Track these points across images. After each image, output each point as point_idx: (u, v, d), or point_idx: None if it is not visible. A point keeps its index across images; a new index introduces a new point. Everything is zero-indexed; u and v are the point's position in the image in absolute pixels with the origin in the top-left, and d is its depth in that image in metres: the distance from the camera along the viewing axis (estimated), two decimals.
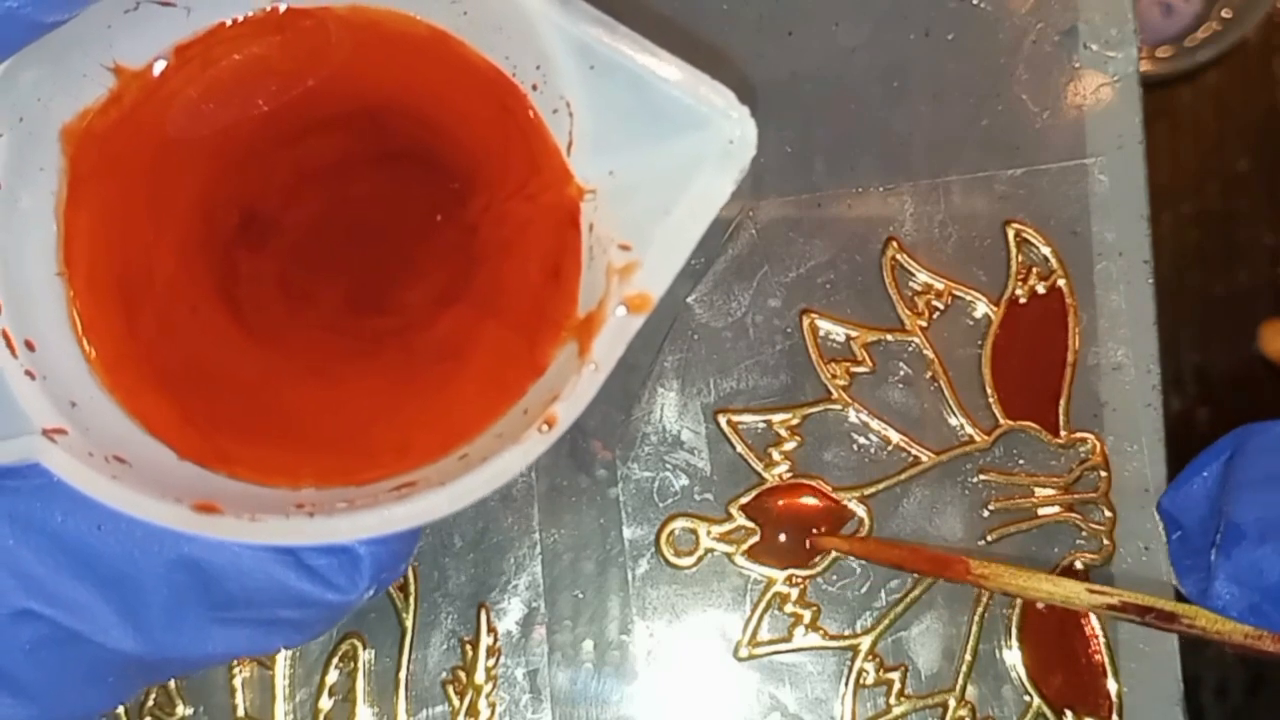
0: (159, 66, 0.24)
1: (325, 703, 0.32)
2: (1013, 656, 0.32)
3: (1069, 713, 0.32)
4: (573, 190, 0.23)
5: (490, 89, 0.24)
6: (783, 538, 0.32)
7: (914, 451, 0.33)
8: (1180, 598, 0.31)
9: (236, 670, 0.32)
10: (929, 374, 0.33)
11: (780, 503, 0.32)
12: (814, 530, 0.32)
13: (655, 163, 0.22)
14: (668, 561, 0.32)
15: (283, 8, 0.24)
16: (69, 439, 0.22)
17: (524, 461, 0.22)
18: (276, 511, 0.22)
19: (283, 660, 0.32)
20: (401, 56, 0.24)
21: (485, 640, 0.32)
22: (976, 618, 0.32)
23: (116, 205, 0.24)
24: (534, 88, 0.23)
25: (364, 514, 0.21)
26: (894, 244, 0.33)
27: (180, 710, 0.32)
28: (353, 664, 0.32)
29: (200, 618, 0.23)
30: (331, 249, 0.26)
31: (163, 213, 0.25)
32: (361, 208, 0.26)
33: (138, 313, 0.24)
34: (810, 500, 0.32)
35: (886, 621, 0.32)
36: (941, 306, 0.33)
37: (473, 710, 0.32)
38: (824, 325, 0.33)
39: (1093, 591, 0.29)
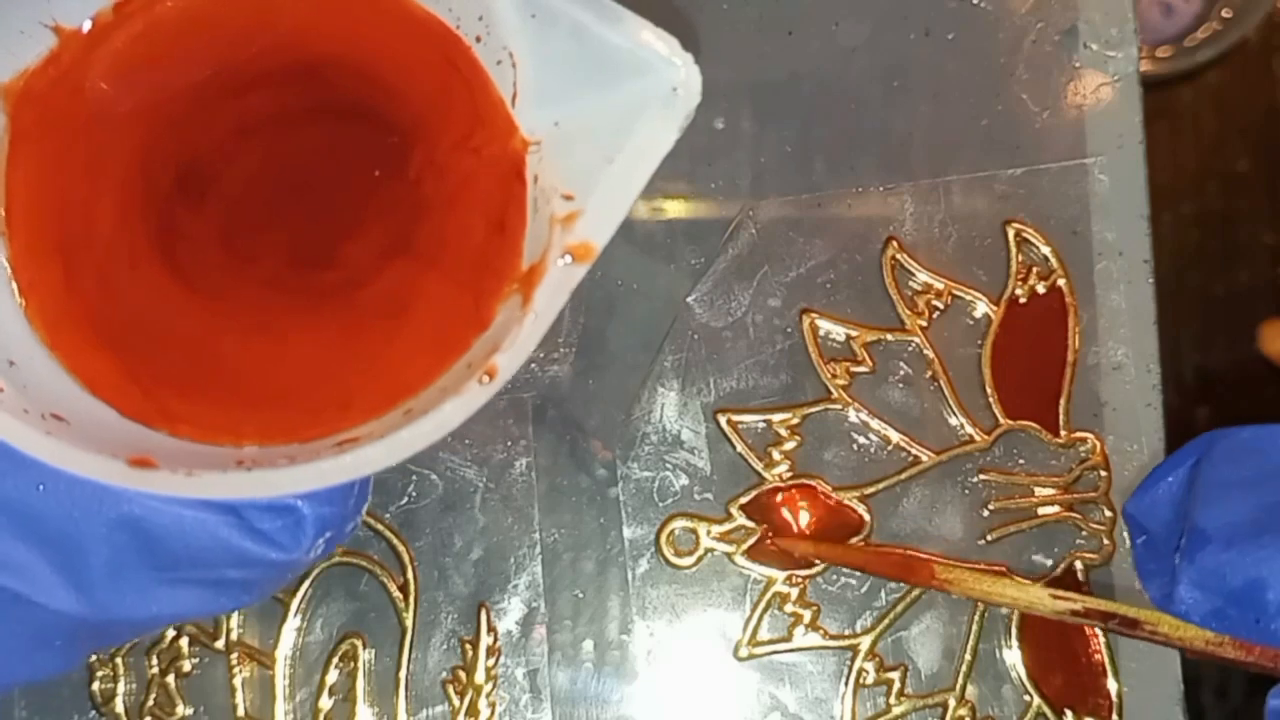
0: (98, 24, 0.24)
1: (325, 702, 0.32)
2: (1013, 656, 0.32)
3: (1069, 712, 0.32)
4: (517, 142, 0.23)
5: (433, 42, 0.24)
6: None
7: (914, 451, 0.33)
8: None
9: (236, 670, 0.32)
10: (929, 374, 0.33)
11: (780, 504, 0.32)
12: (769, 534, 0.32)
13: (600, 112, 0.22)
14: (668, 561, 0.32)
15: None
16: (5, 396, 0.22)
17: (464, 413, 0.22)
18: (214, 467, 0.21)
19: (283, 660, 0.32)
20: (343, 10, 0.24)
21: (485, 640, 0.32)
22: (976, 617, 0.32)
23: (55, 164, 0.24)
24: (477, 39, 0.23)
25: (299, 468, 0.21)
26: (894, 244, 0.33)
27: (180, 710, 0.32)
28: (353, 664, 0.32)
29: (144, 578, 0.23)
30: (273, 205, 0.26)
31: (102, 171, 0.24)
32: (303, 163, 0.26)
33: (78, 271, 0.24)
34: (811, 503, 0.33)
35: (886, 621, 0.32)
36: (941, 306, 0.33)
37: (473, 710, 0.32)
38: (824, 325, 0.33)
39: (1056, 597, 0.29)
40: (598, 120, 0.22)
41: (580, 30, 0.22)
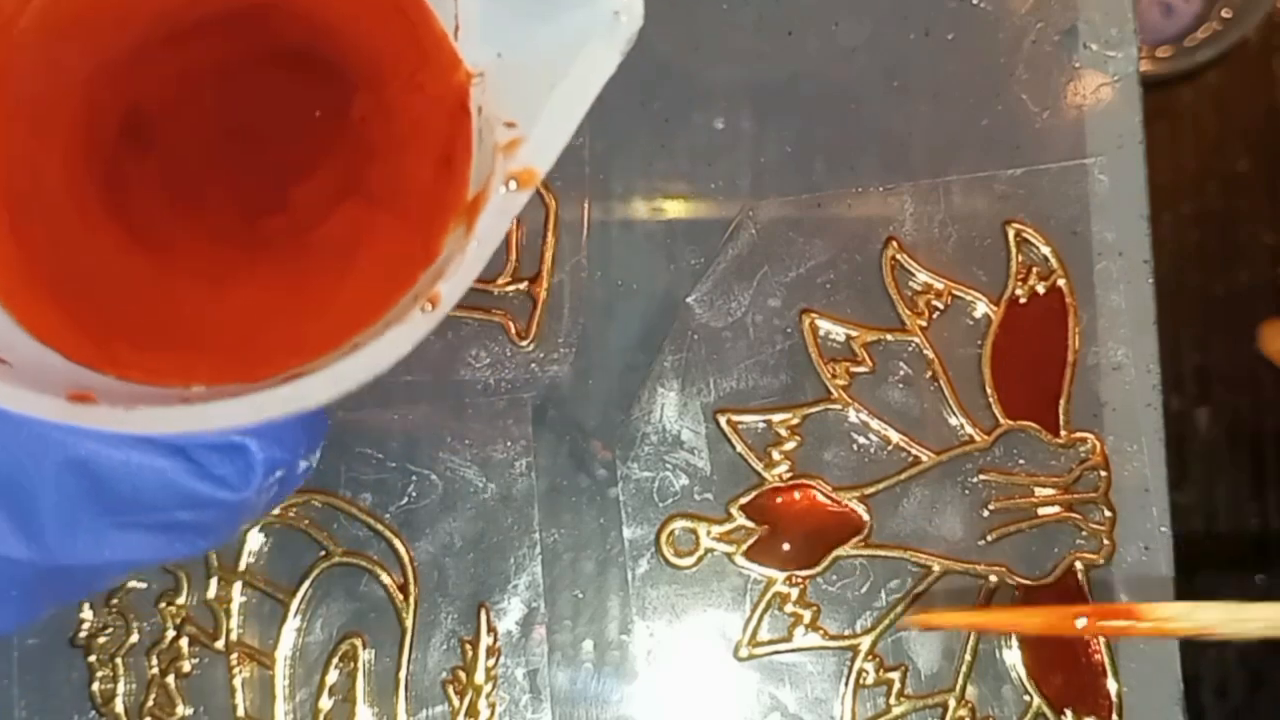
0: None
1: (325, 702, 0.32)
2: (1013, 656, 0.32)
3: (1069, 712, 0.32)
4: (461, 75, 0.23)
5: None
6: (786, 547, 0.32)
7: (914, 451, 0.33)
8: (1185, 595, 0.31)
9: (236, 670, 0.32)
10: (929, 374, 0.33)
11: (781, 504, 0.32)
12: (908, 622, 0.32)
13: (542, 41, 0.22)
14: (668, 561, 0.32)
15: None
16: None
17: (408, 341, 0.21)
18: (155, 403, 0.21)
19: (282, 660, 0.32)
20: None
21: (485, 640, 0.32)
22: None
23: None
24: None
25: (237, 400, 0.21)
26: (894, 244, 0.33)
27: (180, 710, 0.32)
28: (353, 664, 0.32)
29: (95, 522, 0.22)
30: (220, 152, 0.26)
31: (46, 122, 0.24)
32: (249, 110, 0.26)
33: (25, 222, 0.24)
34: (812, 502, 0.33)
35: (887, 621, 0.32)
36: (941, 306, 0.33)
37: (472, 710, 0.32)
38: (824, 325, 0.33)
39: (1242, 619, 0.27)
40: (540, 49, 0.22)
41: None
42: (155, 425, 0.21)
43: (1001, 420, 0.33)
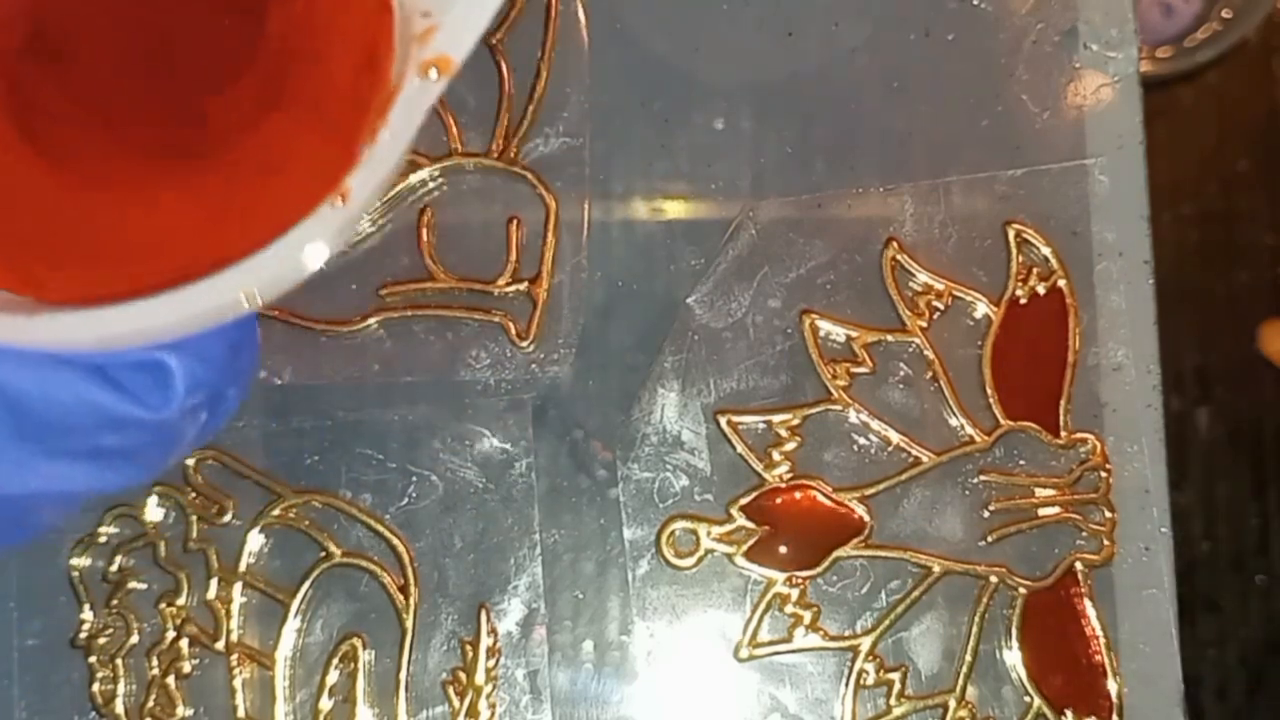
0: None
1: (325, 703, 0.32)
2: (1013, 657, 0.32)
3: (1069, 713, 0.32)
4: None
5: None
6: (786, 547, 0.32)
7: (914, 452, 0.33)
8: (1185, 595, 0.31)
9: (237, 671, 0.32)
10: (929, 374, 0.33)
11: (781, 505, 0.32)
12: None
13: None
14: (668, 562, 0.32)
15: None
16: None
17: (318, 234, 0.21)
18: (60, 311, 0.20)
19: (283, 661, 0.32)
20: None
21: (485, 641, 0.32)
22: (977, 618, 0.32)
23: None
24: None
25: (148, 302, 0.20)
26: (894, 244, 0.33)
27: (180, 711, 0.31)
28: (353, 664, 0.32)
29: (18, 449, 0.22)
30: (133, 64, 0.25)
31: None
32: (162, 18, 0.25)
33: None
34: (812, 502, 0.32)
35: (887, 622, 0.32)
36: (942, 307, 0.33)
37: (473, 711, 0.31)
38: (824, 326, 0.33)
39: None
40: None
41: None
42: (63, 333, 0.20)
43: (1002, 421, 0.33)
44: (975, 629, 0.32)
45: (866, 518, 0.32)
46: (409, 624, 0.32)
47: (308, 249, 0.21)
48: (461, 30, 0.22)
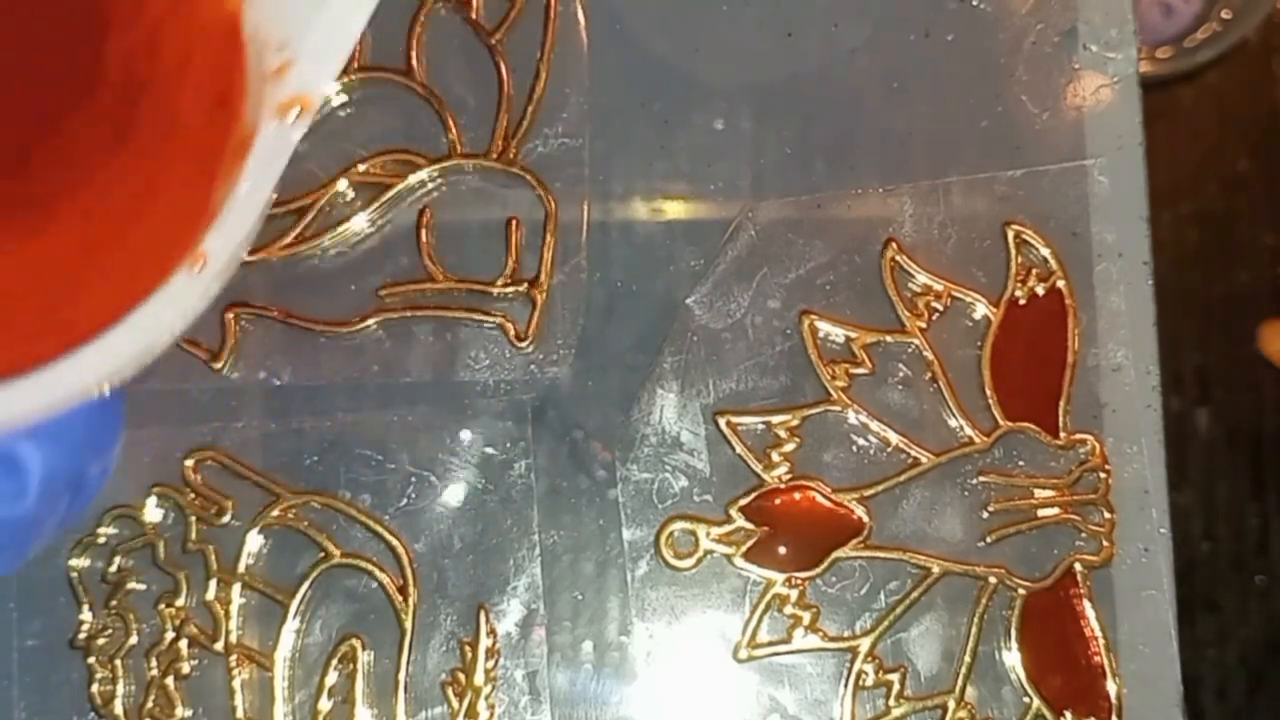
0: None
1: (325, 704, 0.32)
2: (1012, 658, 0.32)
3: (1068, 714, 0.32)
4: (230, 2, 0.21)
5: None
6: (785, 548, 0.32)
7: (913, 453, 0.33)
8: (1185, 596, 0.31)
9: (236, 672, 0.32)
10: (928, 375, 0.33)
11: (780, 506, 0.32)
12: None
13: None
14: (667, 563, 0.32)
15: None
16: None
17: (175, 307, 0.19)
18: None
19: (282, 662, 0.32)
20: None
21: (484, 642, 0.32)
22: (976, 619, 0.32)
23: None
24: None
25: None
26: (893, 245, 0.33)
27: (180, 712, 0.31)
28: (352, 665, 0.32)
29: None
30: None
31: None
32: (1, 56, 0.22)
33: None
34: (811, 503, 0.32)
35: (886, 623, 0.32)
36: (941, 308, 0.33)
37: (472, 712, 0.31)
38: (823, 326, 0.33)
39: None
40: None
41: None
42: None
43: (1001, 422, 0.33)
44: (974, 630, 0.32)
45: (866, 519, 0.32)
46: (408, 625, 0.32)
47: (162, 324, 0.19)
48: (319, 63, 0.20)
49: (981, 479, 0.33)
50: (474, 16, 0.33)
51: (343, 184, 0.33)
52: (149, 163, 0.21)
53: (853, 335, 0.33)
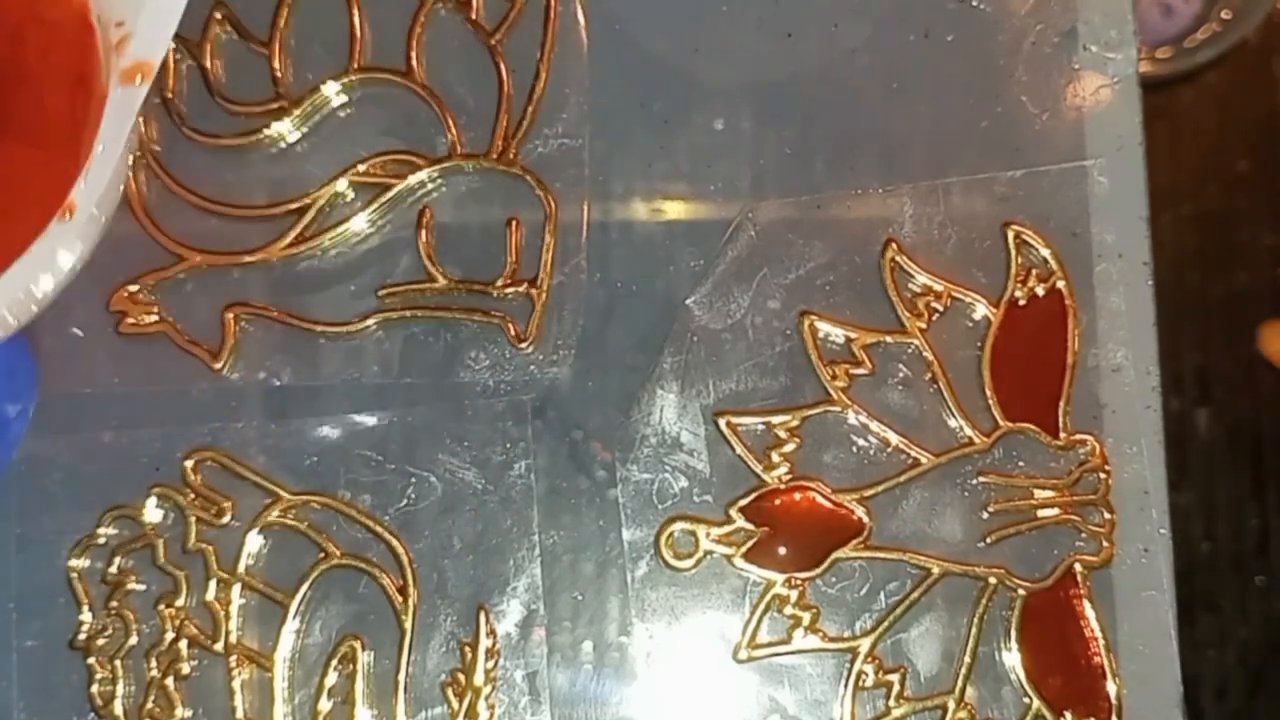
0: None
1: (324, 704, 0.32)
2: (1012, 658, 0.32)
3: (1068, 714, 0.32)
4: None
5: None
6: (785, 549, 0.32)
7: (913, 453, 0.33)
8: (1185, 597, 0.31)
9: (236, 672, 0.32)
10: (928, 376, 0.33)
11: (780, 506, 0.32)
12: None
13: None
14: (667, 563, 0.32)
15: None
16: None
17: (50, 251, 0.22)
18: None
19: (282, 662, 0.32)
20: None
21: (484, 642, 0.32)
22: (976, 619, 0.32)
23: None
24: None
25: None
26: (893, 245, 0.33)
27: (180, 712, 0.31)
28: (352, 666, 0.32)
29: None
30: None
31: None
32: None
33: None
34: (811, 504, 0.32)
35: (886, 623, 0.32)
36: (941, 308, 0.33)
37: (472, 712, 0.31)
38: (823, 327, 0.33)
39: None
40: None
41: None
42: None
43: (1001, 422, 0.33)
44: (974, 630, 0.32)
45: (866, 519, 0.32)
46: (408, 625, 0.32)
47: (39, 267, 0.22)
48: (153, 33, 0.23)
49: (981, 479, 0.33)
50: (474, 16, 0.33)
51: (343, 184, 0.33)
52: (24, 145, 0.24)
53: (853, 336, 0.33)
